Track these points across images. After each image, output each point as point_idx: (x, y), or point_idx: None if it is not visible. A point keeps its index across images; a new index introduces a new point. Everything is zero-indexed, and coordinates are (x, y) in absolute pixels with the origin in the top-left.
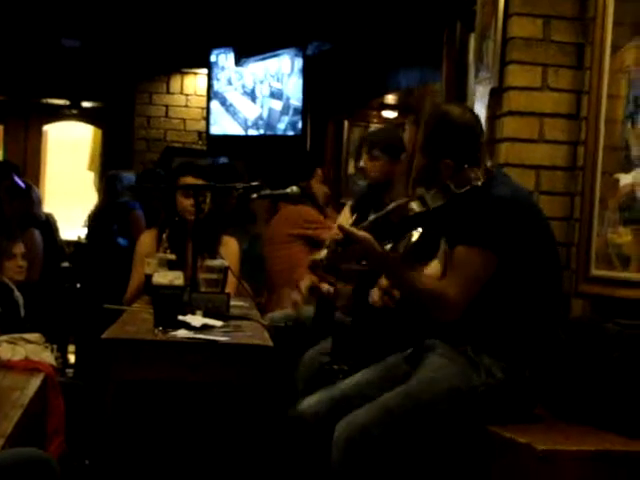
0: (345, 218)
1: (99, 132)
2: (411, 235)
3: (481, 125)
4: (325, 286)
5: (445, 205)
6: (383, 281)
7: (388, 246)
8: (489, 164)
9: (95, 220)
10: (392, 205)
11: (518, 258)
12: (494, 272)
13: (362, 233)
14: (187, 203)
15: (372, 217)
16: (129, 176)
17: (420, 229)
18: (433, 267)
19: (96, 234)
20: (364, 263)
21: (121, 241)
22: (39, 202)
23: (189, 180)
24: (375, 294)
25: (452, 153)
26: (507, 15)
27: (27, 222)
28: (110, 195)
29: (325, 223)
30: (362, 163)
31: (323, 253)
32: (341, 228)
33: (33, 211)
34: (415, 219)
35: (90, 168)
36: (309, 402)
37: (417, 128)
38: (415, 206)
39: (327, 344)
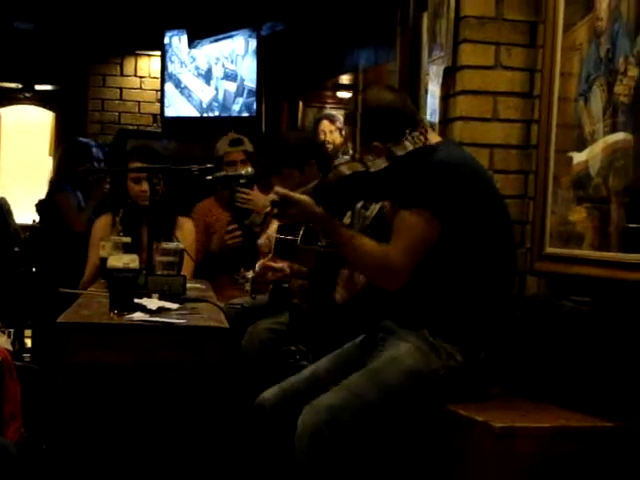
0: None
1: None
2: (368, 214)
3: (403, 98)
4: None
5: (389, 168)
6: (345, 272)
7: (348, 220)
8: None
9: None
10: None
11: (464, 226)
12: (442, 244)
13: (298, 195)
14: (137, 189)
15: (313, 182)
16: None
17: (376, 206)
18: None
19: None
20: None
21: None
22: None
23: (138, 165)
24: (339, 284)
25: (378, 134)
26: None
27: None
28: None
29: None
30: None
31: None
32: (277, 191)
33: None
34: (351, 179)
35: (51, 153)
36: (268, 394)
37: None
38: (354, 166)
39: (276, 318)
